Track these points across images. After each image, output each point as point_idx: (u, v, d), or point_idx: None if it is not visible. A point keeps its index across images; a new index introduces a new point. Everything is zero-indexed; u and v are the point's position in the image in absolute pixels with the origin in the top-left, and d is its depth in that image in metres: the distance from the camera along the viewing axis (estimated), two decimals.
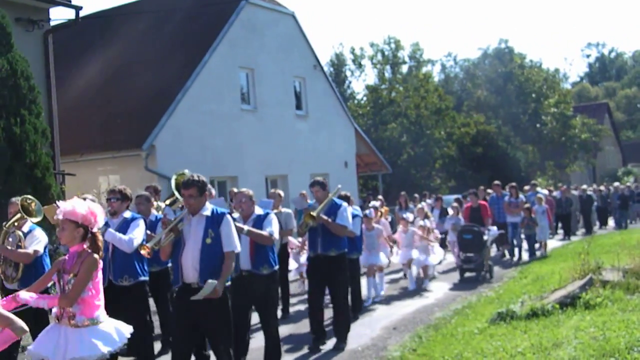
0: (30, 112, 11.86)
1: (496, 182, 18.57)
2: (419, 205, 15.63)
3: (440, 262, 15.23)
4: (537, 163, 42.28)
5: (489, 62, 50.67)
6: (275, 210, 10.00)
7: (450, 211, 16.69)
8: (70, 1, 14.29)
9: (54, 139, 13.58)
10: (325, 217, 8.18)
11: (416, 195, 22.41)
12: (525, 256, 17.35)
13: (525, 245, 17.46)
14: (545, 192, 23.28)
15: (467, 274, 14.27)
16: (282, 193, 11.07)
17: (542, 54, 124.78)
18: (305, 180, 22.48)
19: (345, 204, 8.57)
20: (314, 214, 7.94)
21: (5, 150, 11.24)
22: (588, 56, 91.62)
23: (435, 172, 37.67)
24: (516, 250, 17.46)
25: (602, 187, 27.98)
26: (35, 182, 11.72)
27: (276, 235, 7.23)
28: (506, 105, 42.40)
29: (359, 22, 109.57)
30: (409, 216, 14.15)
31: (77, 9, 14.30)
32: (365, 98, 43.60)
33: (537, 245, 17.62)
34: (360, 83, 60.67)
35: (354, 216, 9.75)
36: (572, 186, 28.37)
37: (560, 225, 23.70)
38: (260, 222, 7.30)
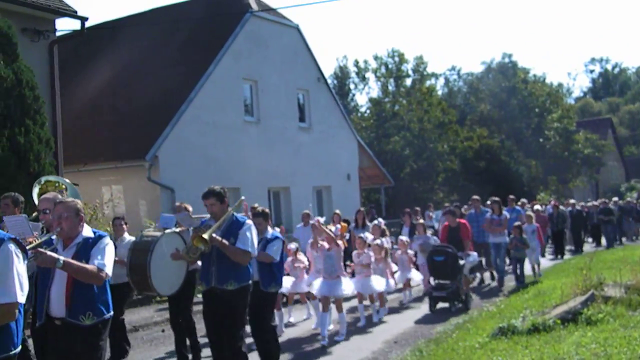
0: (35, 122, 11.93)
1: (475, 196, 16.48)
2: (374, 222, 13.69)
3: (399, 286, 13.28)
4: (540, 178, 42.23)
5: (493, 76, 50.80)
6: (180, 229, 8.09)
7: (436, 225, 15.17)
8: (76, 12, 14.41)
9: (58, 148, 13.65)
10: (219, 239, 6.43)
11: (417, 208, 22.21)
12: (511, 282, 14.97)
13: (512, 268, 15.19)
14: (537, 207, 21.89)
15: (440, 305, 12.14)
16: (190, 207, 8.68)
17: (546, 68, 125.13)
18: (308, 192, 22.54)
19: (249, 221, 6.79)
20: (205, 235, 6.23)
21: (10, 160, 11.30)
22: (592, 71, 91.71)
23: (437, 186, 37.67)
24: (499, 274, 15.04)
25: (596, 203, 26.50)
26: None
27: (108, 271, 5.09)
28: (509, 120, 42.43)
29: (363, 35, 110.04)
30: (368, 236, 12.00)
31: (83, 20, 14.43)
32: (368, 111, 43.71)
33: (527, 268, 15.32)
34: (363, 96, 61.06)
35: (273, 238, 7.93)
36: (563, 201, 27.26)
37: (549, 242, 22.10)
38: (86, 248, 5.09)
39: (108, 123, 19.18)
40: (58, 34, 14.79)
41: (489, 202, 16.42)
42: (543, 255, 21.12)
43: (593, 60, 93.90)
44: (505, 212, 15.40)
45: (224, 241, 6.46)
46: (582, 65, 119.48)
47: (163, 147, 17.46)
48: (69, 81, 19.40)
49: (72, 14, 14.37)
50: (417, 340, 9.59)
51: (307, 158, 22.53)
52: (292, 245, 11.42)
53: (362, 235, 11.79)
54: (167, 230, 7.85)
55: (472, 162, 38.11)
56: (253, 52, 20.70)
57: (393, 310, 12.39)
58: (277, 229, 9.10)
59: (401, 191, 34.54)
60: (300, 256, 11.27)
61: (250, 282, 6.83)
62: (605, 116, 64.28)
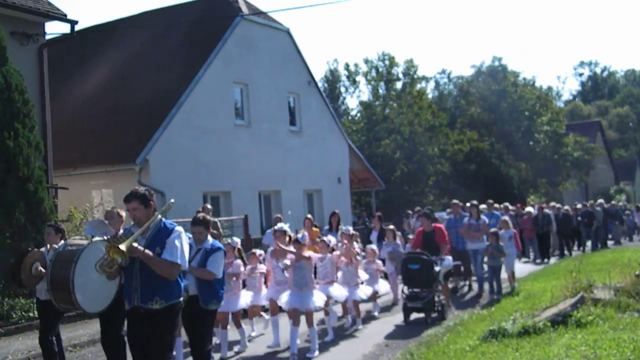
0: (24, 126, 11.88)
1: (454, 200, 15.61)
2: (341, 230, 12.34)
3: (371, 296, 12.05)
4: (530, 180, 42.42)
5: (483, 79, 50.97)
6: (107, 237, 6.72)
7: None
8: (66, 15, 14.37)
9: (47, 152, 13.59)
10: (141, 249, 5.45)
11: (409, 212, 22.23)
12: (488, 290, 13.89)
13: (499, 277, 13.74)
14: (530, 209, 21.47)
15: (414, 315, 11.36)
16: (123, 212, 7.59)
17: (535, 72, 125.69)
18: (299, 195, 22.54)
19: (179, 228, 5.76)
20: (122, 246, 5.25)
21: None
22: (581, 75, 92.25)
23: (428, 189, 37.74)
24: (479, 283, 14.26)
25: (579, 206, 25.80)
26: (28, 195, 11.71)
27: None
28: (499, 123, 42.59)
29: (354, 38, 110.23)
30: (331, 239, 10.75)
31: (73, 23, 14.39)
32: (359, 114, 43.78)
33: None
34: (354, 99, 61.00)
35: (214, 249, 7.16)
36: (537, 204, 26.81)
37: (529, 246, 21.40)
38: None
39: (98, 127, 19.12)
40: (48, 37, 14.74)
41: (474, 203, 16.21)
42: (527, 257, 21.00)
43: (582, 63, 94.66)
44: (483, 217, 14.76)
45: (147, 251, 5.47)
46: (571, 69, 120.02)
47: (153, 151, 17.42)
48: (58, 85, 19.32)
49: (62, 18, 14.32)
50: (408, 343, 9.58)
51: (298, 161, 22.54)
52: (258, 251, 10.64)
53: (324, 238, 10.75)
54: (95, 238, 6.86)
55: (462, 165, 38.22)
56: (243, 56, 20.70)
57: (383, 313, 12.27)
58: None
59: (392, 194, 34.57)
60: (261, 266, 10.39)
61: (182, 299, 5.83)
62: (594, 119, 64.67)
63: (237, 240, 9.66)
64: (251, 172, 20.26)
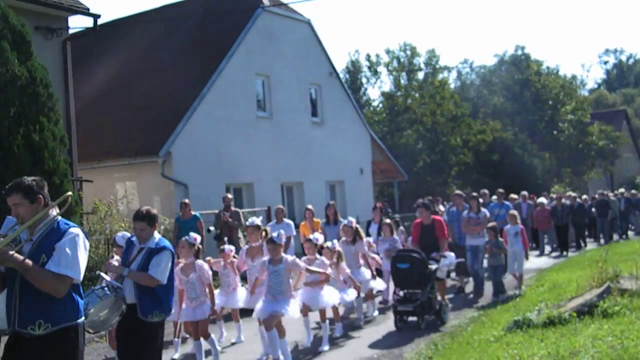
0: (49, 120, 11.99)
1: (457, 191, 14.50)
2: (344, 222, 11.29)
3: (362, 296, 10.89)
4: (554, 170, 42.02)
5: (506, 68, 50.47)
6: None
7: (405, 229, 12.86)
8: (89, 9, 14.49)
9: (72, 145, 13.73)
10: (18, 258, 4.16)
11: (439, 198, 21.61)
12: (489, 291, 12.62)
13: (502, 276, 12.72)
14: (542, 200, 20.73)
15: (408, 319, 10.34)
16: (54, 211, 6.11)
17: (559, 60, 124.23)
18: (321, 187, 22.56)
19: (76, 230, 4.42)
20: None
21: (25, 157, 11.37)
22: (606, 62, 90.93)
23: (451, 180, 37.56)
24: (477, 283, 13.00)
25: (596, 196, 24.93)
26: (54, 188, 11.81)
27: None
28: (523, 112, 42.21)
29: (375, 29, 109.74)
30: (318, 237, 9.46)
31: (95, 17, 14.51)
32: (380, 105, 43.65)
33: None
34: (375, 90, 60.79)
35: (159, 248, 5.92)
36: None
37: (543, 239, 20.60)
38: None
39: (121, 120, 19.28)
40: (71, 31, 14.87)
41: (494, 197, 15.78)
42: (551, 249, 20.61)
43: (607, 51, 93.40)
44: (484, 210, 13.33)
45: (27, 261, 4.18)
46: (596, 57, 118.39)
47: (176, 143, 17.53)
48: (81, 78, 19.51)
49: (85, 12, 14.45)
50: (432, 334, 9.56)
51: (320, 153, 22.53)
52: (227, 247, 9.62)
53: (311, 236, 9.42)
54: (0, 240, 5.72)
55: (485, 155, 37.93)
56: (265, 48, 20.71)
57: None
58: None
59: (414, 185, 34.47)
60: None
61: (80, 320, 4.47)
62: (619, 107, 63.77)
63: (195, 235, 8.14)
64: (273, 163, 20.30)
